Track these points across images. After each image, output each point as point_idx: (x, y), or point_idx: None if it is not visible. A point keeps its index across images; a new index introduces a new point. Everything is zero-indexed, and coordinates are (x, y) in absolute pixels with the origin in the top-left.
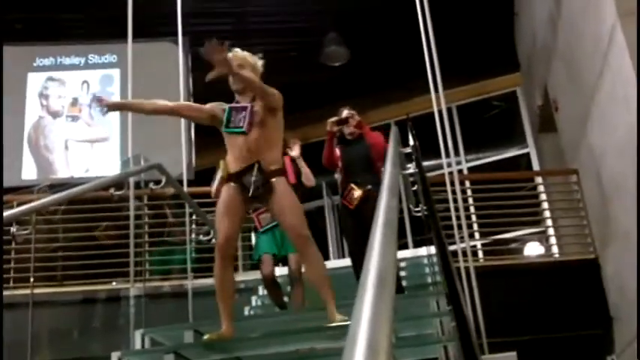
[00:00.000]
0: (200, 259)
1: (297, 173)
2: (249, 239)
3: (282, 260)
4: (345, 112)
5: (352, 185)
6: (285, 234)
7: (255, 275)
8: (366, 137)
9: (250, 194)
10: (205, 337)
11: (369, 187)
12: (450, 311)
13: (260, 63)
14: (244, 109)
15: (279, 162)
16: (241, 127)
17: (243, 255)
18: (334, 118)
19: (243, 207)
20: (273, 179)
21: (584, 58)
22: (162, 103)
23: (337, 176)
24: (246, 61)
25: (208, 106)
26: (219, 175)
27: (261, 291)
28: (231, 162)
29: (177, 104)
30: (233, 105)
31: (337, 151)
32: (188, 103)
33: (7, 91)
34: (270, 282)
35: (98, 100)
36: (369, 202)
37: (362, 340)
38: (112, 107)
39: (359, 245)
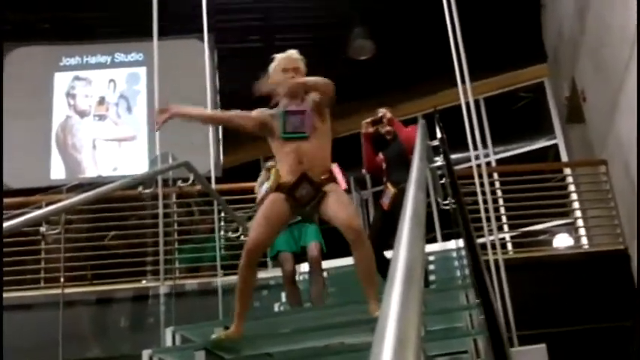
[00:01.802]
0: (229, 255)
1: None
2: None
3: (301, 255)
4: (379, 112)
5: (388, 184)
6: (303, 229)
7: None
8: (398, 134)
9: (307, 209)
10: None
11: (403, 185)
12: (479, 304)
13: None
14: (302, 112)
15: (329, 169)
16: (304, 133)
17: None
18: (369, 119)
19: (287, 217)
20: (324, 188)
21: (611, 47)
22: (219, 112)
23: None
24: (301, 64)
25: (255, 112)
26: (266, 183)
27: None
28: (283, 173)
29: (228, 113)
30: (289, 109)
31: (380, 155)
32: (237, 111)
33: (34, 91)
34: (292, 279)
35: (160, 111)
36: (400, 198)
37: (390, 334)
38: (175, 115)
39: (377, 243)
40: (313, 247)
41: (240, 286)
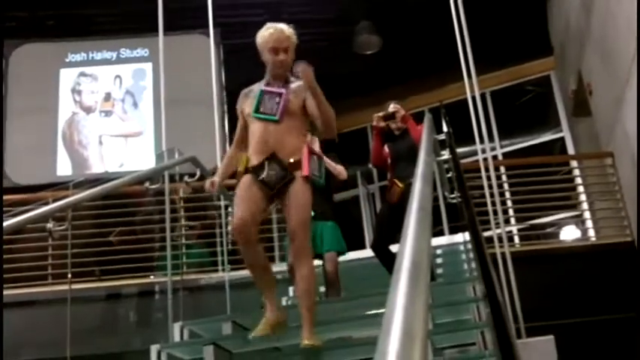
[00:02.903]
0: (236, 251)
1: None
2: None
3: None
4: (392, 107)
5: (395, 180)
6: (318, 228)
7: None
8: (411, 132)
9: (272, 190)
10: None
11: (411, 181)
12: (485, 297)
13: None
14: (278, 94)
15: (300, 152)
16: (274, 115)
17: (279, 245)
18: (381, 113)
19: (262, 197)
20: (294, 172)
21: (617, 40)
22: (235, 150)
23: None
24: (292, 43)
25: (239, 109)
26: (239, 168)
27: None
28: (252, 154)
29: (237, 140)
30: (266, 89)
31: (386, 149)
32: (238, 134)
33: (39, 88)
34: None
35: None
36: (408, 194)
37: (397, 326)
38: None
39: (383, 237)
40: (329, 261)
41: (250, 268)
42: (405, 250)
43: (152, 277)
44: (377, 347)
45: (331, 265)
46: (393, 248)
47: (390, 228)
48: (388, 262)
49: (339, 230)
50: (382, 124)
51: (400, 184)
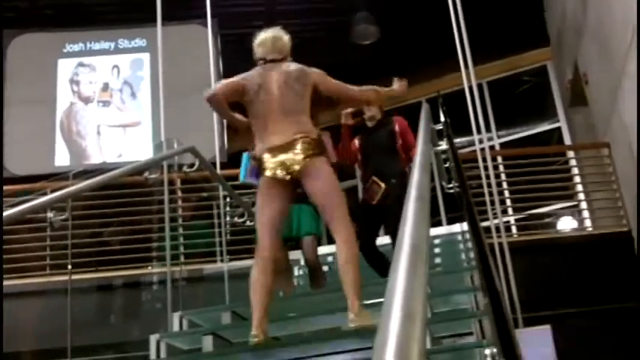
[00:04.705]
0: (234, 241)
1: None
2: None
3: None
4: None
5: (374, 179)
6: (295, 211)
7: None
8: (393, 123)
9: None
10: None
11: (393, 181)
12: (483, 286)
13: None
14: None
15: None
16: None
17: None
18: (349, 110)
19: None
20: None
21: (614, 28)
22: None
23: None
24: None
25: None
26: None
27: (296, 271)
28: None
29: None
30: None
31: (355, 143)
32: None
33: (37, 78)
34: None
35: None
36: (391, 196)
37: (397, 308)
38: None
39: (367, 238)
40: (309, 248)
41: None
42: (405, 235)
43: (149, 267)
44: (378, 329)
45: (311, 250)
46: (381, 246)
47: (370, 228)
48: (377, 262)
49: (314, 214)
50: (351, 122)
51: (382, 184)
